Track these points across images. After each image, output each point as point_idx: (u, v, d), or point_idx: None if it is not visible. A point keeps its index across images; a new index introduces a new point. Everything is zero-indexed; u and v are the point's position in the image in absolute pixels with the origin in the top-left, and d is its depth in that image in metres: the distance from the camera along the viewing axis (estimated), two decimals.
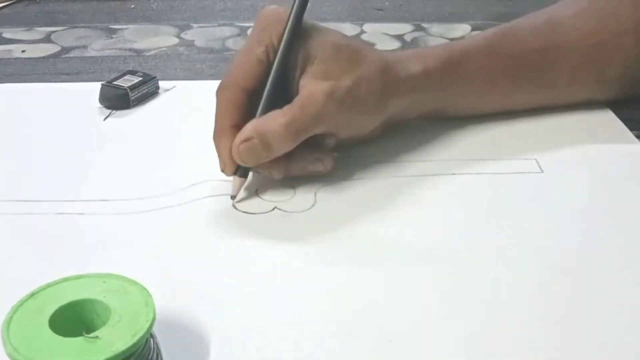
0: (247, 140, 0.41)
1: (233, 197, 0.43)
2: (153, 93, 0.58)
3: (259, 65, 0.43)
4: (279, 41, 0.43)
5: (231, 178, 0.44)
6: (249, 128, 0.42)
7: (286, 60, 0.43)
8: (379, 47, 0.69)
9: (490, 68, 0.50)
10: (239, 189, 0.44)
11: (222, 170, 0.43)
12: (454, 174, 0.46)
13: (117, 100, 0.55)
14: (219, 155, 0.43)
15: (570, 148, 0.49)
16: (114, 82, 0.56)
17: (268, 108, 0.42)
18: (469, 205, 0.44)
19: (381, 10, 0.81)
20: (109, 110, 0.55)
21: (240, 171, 0.43)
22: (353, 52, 0.45)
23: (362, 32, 0.75)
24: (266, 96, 0.43)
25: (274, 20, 0.43)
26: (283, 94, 0.43)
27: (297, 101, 0.42)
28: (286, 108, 0.42)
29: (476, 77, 0.50)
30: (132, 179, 0.46)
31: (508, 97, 0.52)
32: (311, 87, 0.42)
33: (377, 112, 0.46)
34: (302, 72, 0.43)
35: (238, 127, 0.42)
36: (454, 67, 0.49)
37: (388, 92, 0.45)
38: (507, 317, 0.35)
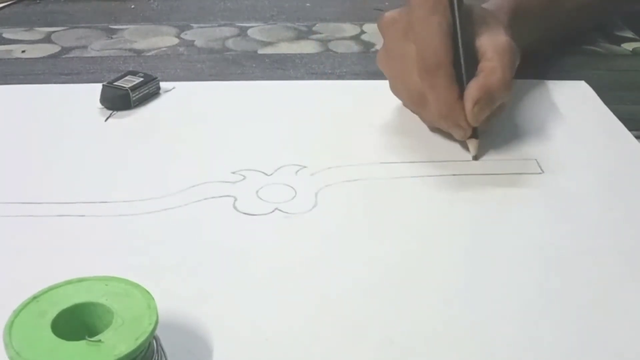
0: (478, 102, 0.46)
1: (476, 158, 0.48)
2: (154, 94, 0.58)
3: (447, 37, 0.47)
4: (450, 11, 0.47)
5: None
6: (474, 91, 0.46)
7: (464, 26, 0.48)
8: (378, 47, 0.69)
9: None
10: (478, 148, 0.48)
11: (463, 138, 0.49)
12: (454, 174, 0.47)
13: (118, 101, 0.55)
14: (458, 127, 0.48)
15: (570, 149, 0.50)
16: (115, 83, 0.56)
17: (469, 71, 0.47)
18: (469, 206, 0.44)
19: (381, 10, 0.80)
20: (110, 111, 0.55)
21: (474, 133, 0.48)
22: (487, 11, 0.52)
23: (362, 32, 0.75)
24: (464, 61, 0.47)
25: None
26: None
27: (496, 55, 0.47)
28: (490, 64, 0.47)
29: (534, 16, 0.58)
30: (133, 181, 0.46)
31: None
32: (496, 42, 0.48)
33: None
34: (474, 34, 0.49)
35: (461, 97, 0.47)
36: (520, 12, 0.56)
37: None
38: (508, 317, 0.35)
